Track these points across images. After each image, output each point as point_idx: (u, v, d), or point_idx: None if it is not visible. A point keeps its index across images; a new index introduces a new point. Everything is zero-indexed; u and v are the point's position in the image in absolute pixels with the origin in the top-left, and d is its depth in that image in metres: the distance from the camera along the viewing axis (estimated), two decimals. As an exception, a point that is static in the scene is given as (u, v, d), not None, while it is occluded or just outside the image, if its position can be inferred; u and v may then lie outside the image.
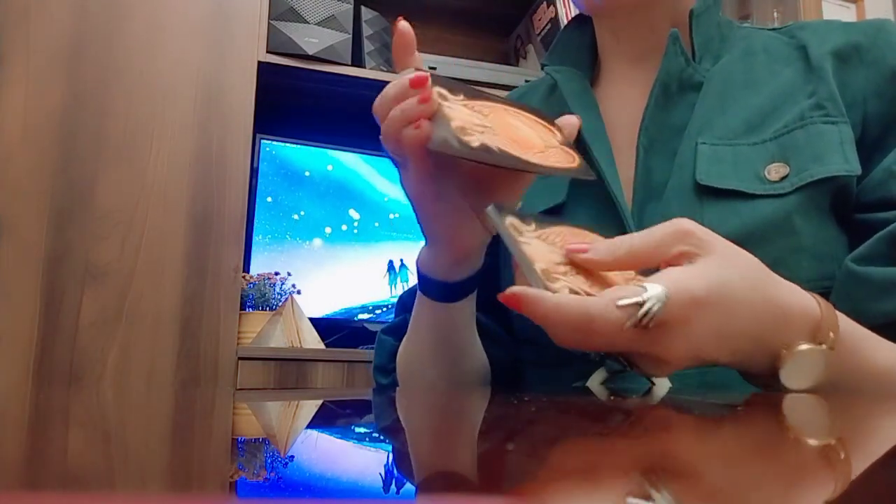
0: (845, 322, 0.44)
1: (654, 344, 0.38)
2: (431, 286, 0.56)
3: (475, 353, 0.63)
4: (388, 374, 0.70)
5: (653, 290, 0.37)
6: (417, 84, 0.45)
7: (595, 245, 0.41)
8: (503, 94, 0.71)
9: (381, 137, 0.48)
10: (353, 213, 1.80)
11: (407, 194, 0.51)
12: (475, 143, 0.43)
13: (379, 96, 0.48)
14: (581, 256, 0.41)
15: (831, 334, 0.42)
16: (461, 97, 0.48)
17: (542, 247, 0.42)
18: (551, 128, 0.52)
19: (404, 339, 0.65)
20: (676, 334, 0.38)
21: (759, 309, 0.41)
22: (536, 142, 0.48)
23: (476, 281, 0.57)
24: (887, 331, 0.48)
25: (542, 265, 0.40)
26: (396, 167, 0.51)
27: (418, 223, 0.53)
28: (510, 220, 0.42)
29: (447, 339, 0.60)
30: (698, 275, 0.39)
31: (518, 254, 0.40)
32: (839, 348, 0.42)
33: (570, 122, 0.53)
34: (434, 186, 0.49)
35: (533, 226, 0.43)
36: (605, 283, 0.41)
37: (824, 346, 0.42)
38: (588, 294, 0.39)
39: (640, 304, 0.37)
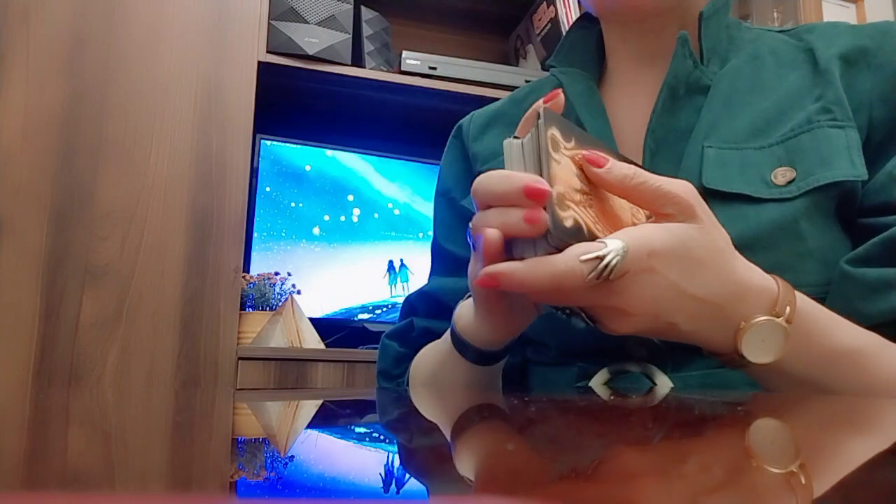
0: (805, 301, 0.46)
1: (614, 296, 0.41)
2: (470, 351, 0.54)
3: (496, 388, 0.61)
4: (393, 379, 0.70)
5: (612, 245, 0.40)
6: (534, 196, 0.41)
7: (612, 164, 0.44)
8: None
9: (471, 224, 0.45)
10: (354, 213, 1.80)
11: (469, 278, 0.48)
12: (568, 223, 0.41)
13: (484, 179, 0.43)
14: (593, 170, 0.43)
15: (787, 308, 0.44)
16: (572, 143, 0.44)
17: (569, 167, 0.43)
18: (638, 208, 0.48)
19: (422, 367, 0.63)
20: (634, 285, 0.41)
21: (716, 277, 0.43)
22: (627, 217, 0.46)
23: (514, 344, 0.55)
24: (882, 330, 0.48)
25: (560, 188, 0.41)
26: (473, 248, 0.46)
27: (474, 302, 0.51)
28: (552, 132, 0.43)
29: (475, 387, 0.58)
30: (661, 232, 0.42)
31: (544, 169, 0.41)
32: (799, 323, 0.45)
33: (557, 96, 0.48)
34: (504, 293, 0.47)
35: (573, 142, 0.44)
36: (612, 223, 0.43)
37: (781, 319, 0.44)
38: (590, 229, 0.42)
39: (601, 258, 0.39)
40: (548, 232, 0.40)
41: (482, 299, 0.49)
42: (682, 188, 0.43)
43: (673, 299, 0.42)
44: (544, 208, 0.41)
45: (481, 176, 0.44)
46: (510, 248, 0.43)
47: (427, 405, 0.43)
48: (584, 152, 0.44)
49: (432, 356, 0.62)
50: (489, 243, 0.42)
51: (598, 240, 0.41)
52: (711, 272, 0.43)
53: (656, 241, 0.41)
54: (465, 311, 0.54)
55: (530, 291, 0.41)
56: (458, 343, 0.55)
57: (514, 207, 0.42)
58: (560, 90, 0.47)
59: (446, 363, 0.58)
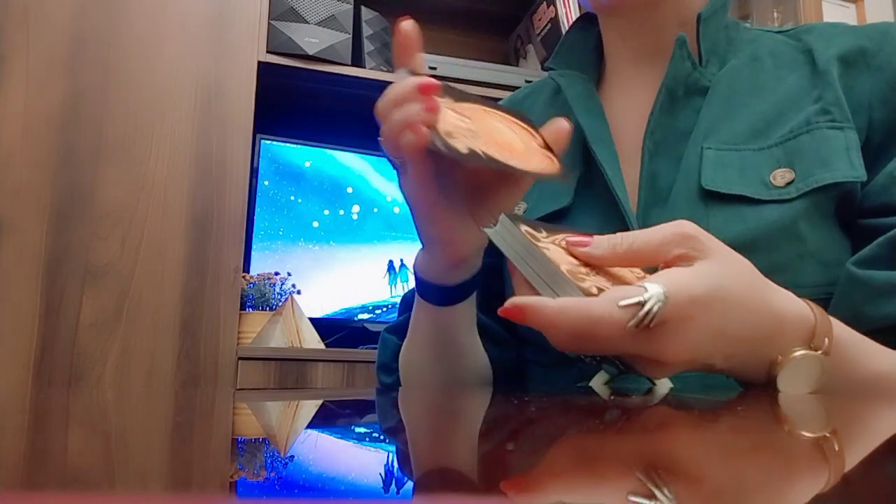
0: (840, 328, 0.45)
1: (652, 344, 0.39)
2: (429, 290, 0.56)
3: (476, 355, 0.63)
4: (392, 373, 0.70)
5: (653, 290, 0.37)
6: (426, 90, 0.44)
7: (596, 240, 0.42)
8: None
9: (380, 139, 0.48)
10: (354, 213, 1.80)
11: (405, 197, 0.51)
12: (463, 149, 0.43)
13: (382, 96, 0.47)
14: (581, 250, 0.42)
15: (826, 340, 0.42)
16: (447, 99, 0.47)
17: (560, 251, 0.42)
18: (531, 131, 0.52)
19: (405, 342, 0.65)
20: (674, 334, 0.39)
21: (754, 313, 0.41)
22: (518, 145, 0.48)
23: (474, 283, 0.57)
24: (888, 334, 0.48)
25: (566, 266, 0.40)
26: (395, 169, 0.50)
27: (415, 226, 0.53)
28: (525, 228, 0.42)
29: (447, 341, 0.60)
30: (696, 276, 0.39)
31: (539, 259, 0.40)
32: (834, 354, 0.43)
33: (560, 126, 0.52)
34: (433, 190, 0.49)
35: (544, 233, 0.43)
36: (624, 282, 0.42)
37: (820, 352, 0.42)
38: None
39: (642, 304, 0.37)
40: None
41: (416, 203, 0.50)
42: (675, 227, 0.41)
43: (711, 343, 0.40)
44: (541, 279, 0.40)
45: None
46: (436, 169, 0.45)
47: (427, 405, 0.43)
48: (567, 237, 0.43)
49: (409, 332, 0.63)
50: (409, 144, 0.44)
51: (637, 284, 0.39)
52: (748, 309, 0.41)
53: (696, 288, 0.39)
54: (420, 252, 0.56)
55: (559, 330, 0.38)
56: (420, 286, 0.57)
57: (412, 102, 0.44)
58: (407, 21, 0.48)
59: (417, 323, 0.60)
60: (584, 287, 0.39)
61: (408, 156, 0.46)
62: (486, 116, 0.49)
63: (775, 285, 0.44)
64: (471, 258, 0.55)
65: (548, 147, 0.51)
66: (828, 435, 0.27)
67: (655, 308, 0.37)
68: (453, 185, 0.50)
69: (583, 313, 0.37)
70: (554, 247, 0.42)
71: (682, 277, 0.39)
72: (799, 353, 0.42)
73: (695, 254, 0.40)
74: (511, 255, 0.42)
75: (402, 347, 0.66)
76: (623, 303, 0.37)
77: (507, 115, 0.51)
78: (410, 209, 0.52)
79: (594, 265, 0.42)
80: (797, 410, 0.36)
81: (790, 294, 0.44)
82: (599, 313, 0.37)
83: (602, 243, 0.42)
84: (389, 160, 0.50)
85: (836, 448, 0.23)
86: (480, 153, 0.44)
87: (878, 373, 0.46)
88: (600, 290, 0.39)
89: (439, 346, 0.60)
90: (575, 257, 0.42)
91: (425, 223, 0.52)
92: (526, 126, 0.52)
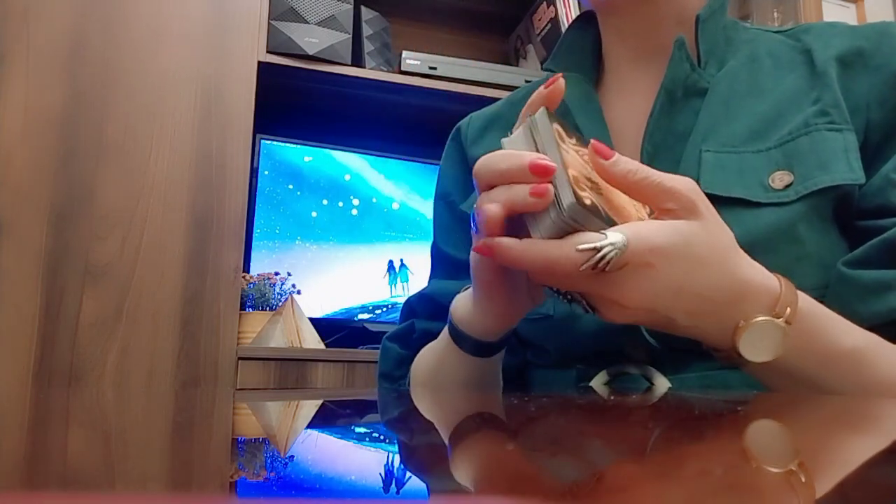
0: (808, 302, 0.46)
1: (610, 285, 0.42)
2: (466, 342, 0.55)
3: (498, 382, 0.62)
4: (394, 381, 0.70)
5: (612, 238, 0.40)
6: (540, 172, 0.41)
7: (618, 157, 0.44)
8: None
9: (475, 206, 0.44)
10: (354, 213, 1.80)
11: (473, 269, 0.49)
12: (587, 201, 0.41)
13: (486, 159, 0.44)
14: (600, 160, 0.43)
15: (788, 309, 0.44)
16: (574, 140, 0.45)
17: (578, 159, 0.43)
18: (640, 204, 0.48)
19: (423, 365, 0.64)
20: (634, 279, 0.41)
21: (718, 275, 0.43)
22: (631, 211, 0.46)
23: (511, 335, 0.56)
24: (879, 332, 0.48)
25: (574, 172, 0.42)
26: (473, 228, 0.46)
27: (473, 291, 0.52)
28: (556, 127, 0.44)
29: (477, 381, 0.58)
30: (665, 228, 0.42)
31: (554, 156, 0.42)
32: (800, 324, 0.44)
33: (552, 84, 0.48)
34: (501, 271, 0.48)
35: (574, 140, 0.45)
36: (618, 216, 0.43)
37: (781, 320, 0.44)
38: (606, 213, 0.42)
39: (598, 250, 0.40)
40: (560, 211, 0.40)
41: (482, 284, 0.50)
42: (685, 184, 0.43)
43: (671, 296, 0.42)
44: (551, 183, 0.41)
45: (483, 157, 0.44)
46: (515, 229, 0.43)
47: (427, 405, 0.43)
48: (592, 142, 0.44)
49: (431, 354, 0.62)
50: (490, 218, 0.42)
51: (601, 231, 0.41)
52: (713, 270, 0.43)
53: (659, 238, 0.41)
54: (462, 301, 0.55)
55: (521, 269, 0.42)
56: (456, 334, 0.55)
57: (519, 184, 0.42)
58: (561, 75, 0.46)
59: (444, 358, 0.59)
60: (581, 195, 0.41)
61: (489, 233, 0.43)
62: (608, 190, 0.46)
63: (747, 258, 0.46)
64: (518, 321, 0.54)
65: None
66: (827, 442, 0.27)
67: (610, 254, 0.40)
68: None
69: (541, 252, 0.41)
70: (574, 154, 0.44)
71: (650, 227, 0.42)
72: (760, 318, 0.44)
73: (681, 211, 0.43)
74: (531, 145, 0.43)
75: (420, 367, 0.64)
76: (581, 247, 0.40)
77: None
78: (473, 275, 0.50)
79: (602, 185, 0.44)
80: (798, 410, 0.36)
81: (761, 267, 0.46)
82: (556, 253, 0.40)
83: (621, 164, 0.43)
84: (472, 222, 0.46)
85: (837, 452, 0.23)
86: (602, 212, 0.42)
87: (850, 347, 0.46)
88: (593, 203, 0.41)
89: (468, 381, 0.59)
90: (590, 168, 0.44)
91: (484, 295, 0.51)
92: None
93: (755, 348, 0.44)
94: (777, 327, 0.44)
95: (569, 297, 0.47)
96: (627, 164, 0.43)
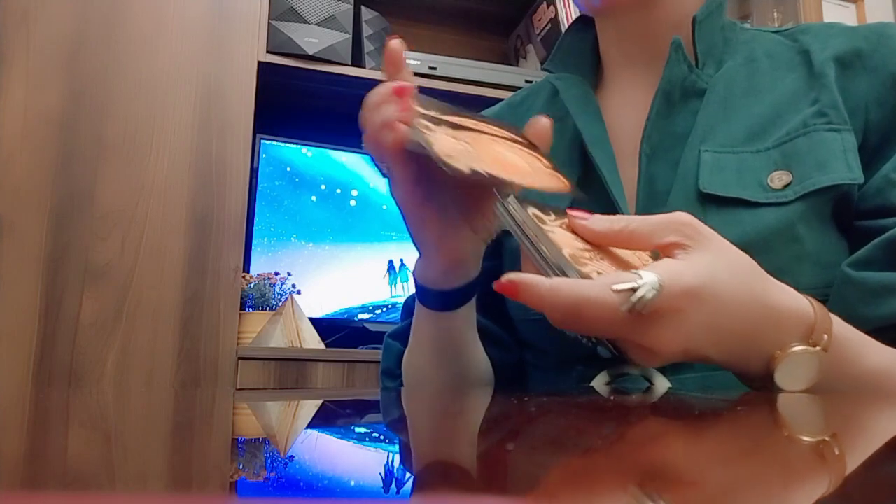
0: (839, 325, 0.44)
1: (644, 333, 0.39)
2: (428, 295, 0.56)
3: (477, 357, 0.63)
4: (396, 379, 0.70)
5: (647, 278, 0.37)
6: (400, 93, 0.46)
7: (595, 216, 0.43)
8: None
9: (363, 144, 0.49)
10: (353, 214, 1.80)
11: (395, 202, 0.51)
12: (465, 169, 0.42)
13: (363, 104, 0.49)
14: (580, 223, 0.43)
15: (825, 336, 0.42)
16: (552, 216, 0.45)
17: (566, 234, 0.43)
18: (535, 154, 0.51)
19: (408, 346, 0.65)
20: (667, 324, 0.39)
21: (750, 307, 0.41)
22: (522, 165, 0.48)
23: (474, 288, 0.57)
24: (883, 334, 0.48)
25: (569, 250, 0.41)
26: (383, 176, 0.51)
27: (409, 232, 0.53)
28: (532, 210, 0.43)
29: (448, 347, 0.60)
30: (690, 267, 0.39)
31: (543, 240, 0.41)
32: (833, 350, 0.42)
33: (539, 124, 0.51)
34: (419, 192, 0.49)
35: (552, 215, 0.44)
36: (628, 268, 0.42)
37: (818, 348, 0.42)
38: None
39: (634, 290, 0.37)
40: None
41: (409, 219, 0.51)
42: (672, 215, 0.42)
43: (705, 336, 0.40)
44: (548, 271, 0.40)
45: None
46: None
47: (427, 405, 0.43)
48: (568, 211, 0.44)
49: (412, 331, 0.64)
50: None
51: (632, 271, 0.39)
52: (746, 304, 0.41)
53: (690, 279, 0.39)
54: (417, 259, 0.56)
55: (550, 309, 0.38)
56: (419, 292, 0.57)
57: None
58: (395, 40, 0.49)
59: (418, 328, 0.60)
60: (585, 272, 0.39)
61: (389, 157, 0.47)
62: (487, 141, 0.49)
63: (775, 280, 0.43)
64: (467, 262, 0.54)
65: (555, 168, 0.51)
66: (828, 438, 0.27)
67: (648, 295, 0.37)
68: (443, 190, 0.50)
69: (574, 293, 0.37)
70: (560, 230, 0.43)
71: (677, 267, 0.39)
72: (797, 348, 0.42)
73: (689, 242, 0.40)
74: (517, 234, 0.43)
75: (406, 352, 0.66)
76: (616, 287, 0.37)
77: (506, 137, 0.51)
78: (401, 213, 0.52)
79: (600, 249, 0.43)
80: (797, 412, 0.36)
81: (790, 289, 0.44)
82: (591, 295, 0.37)
83: (600, 220, 0.42)
84: (377, 167, 0.50)
85: (837, 452, 0.23)
86: (483, 172, 0.43)
87: (877, 370, 0.45)
88: (600, 275, 0.39)
89: (440, 350, 0.60)
90: (580, 240, 0.43)
91: (416, 227, 0.52)
92: (528, 149, 0.51)
93: (791, 378, 0.42)
94: (814, 356, 0.42)
95: (593, 340, 0.44)
96: (605, 219, 0.42)
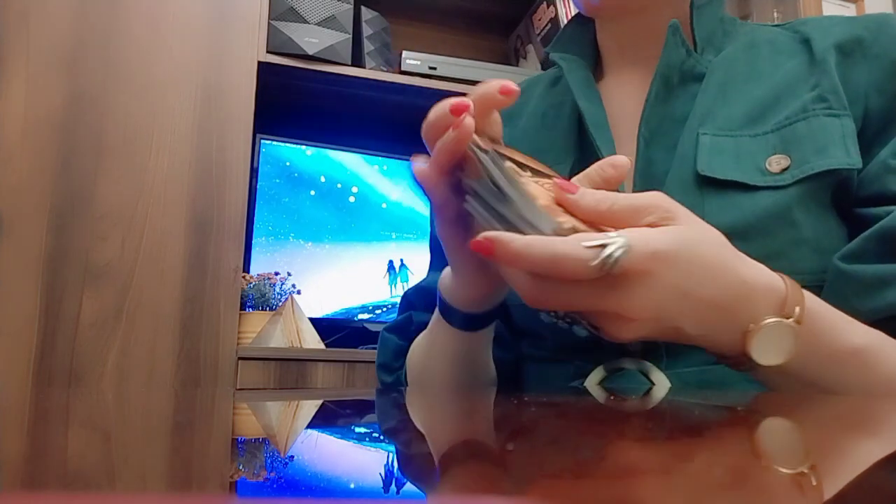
0: (813, 300, 0.45)
1: (615, 296, 0.39)
2: (454, 315, 0.56)
3: (489, 367, 0.63)
4: (393, 373, 0.70)
5: (618, 238, 0.38)
6: (456, 111, 0.45)
7: (584, 190, 0.43)
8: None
9: (412, 173, 0.48)
10: (353, 213, 1.80)
11: (438, 232, 0.51)
12: (566, 225, 0.40)
13: (425, 121, 0.48)
14: (568, 196, 0.43)
15: (797, 309, 0.43)
16: (530, 174, 0.45)
17: (540, 189, 0.43)
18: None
19: (417, 348, 0.65)
20: (638, 287, 0.39)
21: (722, 277, 0.42)
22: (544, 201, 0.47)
23: (500, 311, 0.57)
24: (878, 327, 0.48)
25: (543, 202, 0.41)
26: (431, 207, 0.50)
27: (447, 256, 0.53)
28: (509, 164, 0.43)
29: (465, 362, 0.59)
30: (663, 233, 0.41)
31: (518, 191, 0.41)
32: (807, 324, 0.43)
33: (620, 161, 0.48)
34: (462, 228, 0.49)
35: (529, 173, 0.44)
36: (597, 230, 0.42)
37: (792, 321, 0.42)
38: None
39: (604, 246, 0.38)
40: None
41: (451, 251, 0.51)
42: (654, 197, 0.42)
43: (676, 303, 0.41)
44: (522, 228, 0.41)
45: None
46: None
47: (427, 405, 0.43)
48: (556, 179, 0.43)
49: (424, 338, 0.63)
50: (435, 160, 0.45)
51: (602, 232, 0.39)
52: (716, 273, 0.41)
53: (658, 243, 0.40)
54: (448, 274, 0.55)
55: (526, 266, 0.40)
56: (444, 308, 0.56)
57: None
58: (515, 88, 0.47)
59: (436, 337, 0.60)
60: (560, 221, 0.39)
61: (436, 197, 0.47)
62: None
63: (746, 257, 0.44)
64: (499, 291, 0.54)
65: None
66: (829, 444, 0.27)
67: (617, 253, 0.38)
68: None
69: (548, 249, 0.38)
70: (535, 185, 0.43)
71: (649, 232, 0.40)
72: (771, 320, 0.42)
73: (663, 222, 0.41)
74: (485, 189, 0.43)
75: (414, 350, 0.66)
76: (587, 243, 0.38)
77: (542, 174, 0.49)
78: (441, 240, 0.52)
79: (572, 213, 0.43)
80: (795, 410, 0.36)
81: (760, 265, 0.44)
82: (563, 249, 0.38)
83: (587, 196, 0.42)
84: (426, 195, 0.49)
85: (836, 458, 0.23)
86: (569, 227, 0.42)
87: (855, 346, 0.45)
88: (573, 228, 0.40)
89: (455, 364, 0.60)
90: (557, 203, 0.43)
91: (454, 257, 0.52)
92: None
93: (767, 352, 0.42)
94: (788, 328, 0.42)
95: (568, 319, 0.45)
96: (594, 195, 0.42)
